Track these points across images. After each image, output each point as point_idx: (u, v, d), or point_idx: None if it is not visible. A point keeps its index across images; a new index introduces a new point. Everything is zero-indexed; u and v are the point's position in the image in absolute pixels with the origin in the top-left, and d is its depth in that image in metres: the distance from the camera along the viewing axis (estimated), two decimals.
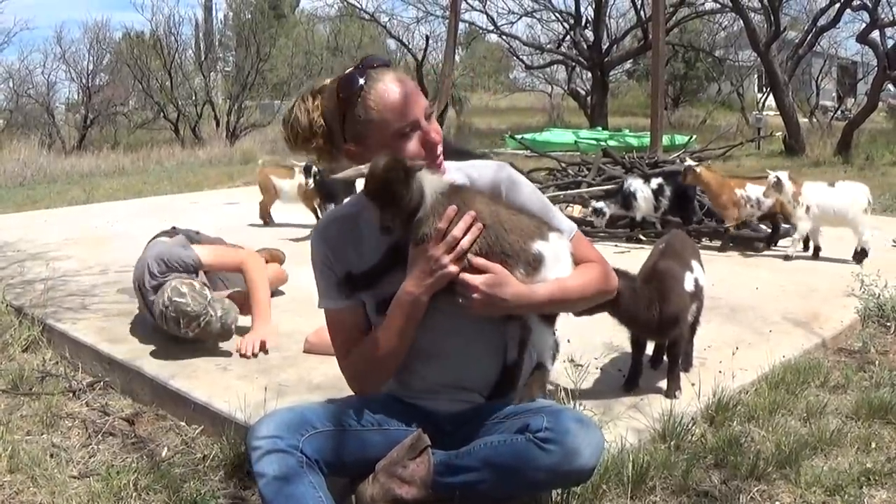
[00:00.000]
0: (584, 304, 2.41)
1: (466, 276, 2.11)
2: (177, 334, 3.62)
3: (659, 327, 3.13)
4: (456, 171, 2.30)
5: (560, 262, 2.21)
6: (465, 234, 2.10)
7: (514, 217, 2.20)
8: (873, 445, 2.88)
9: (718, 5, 21.55)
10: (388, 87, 2.14)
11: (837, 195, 5.58)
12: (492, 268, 2.11)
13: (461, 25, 20.21)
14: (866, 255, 5.49)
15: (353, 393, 2.38)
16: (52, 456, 2.95)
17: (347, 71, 2.20)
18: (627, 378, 3.27)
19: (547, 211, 2.32)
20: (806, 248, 5.78)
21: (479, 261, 2.12)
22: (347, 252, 2.28)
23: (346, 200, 2.43)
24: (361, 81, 2.14)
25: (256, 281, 3.96)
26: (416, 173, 2.07)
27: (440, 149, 2.20)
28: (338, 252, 2.28)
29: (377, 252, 2.24)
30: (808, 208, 5.54)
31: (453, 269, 2.10)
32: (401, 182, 2.05)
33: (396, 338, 2.21)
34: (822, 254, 5.66)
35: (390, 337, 2.21)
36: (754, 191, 5.92)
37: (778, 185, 5.57)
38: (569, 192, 7.02)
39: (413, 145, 2.16)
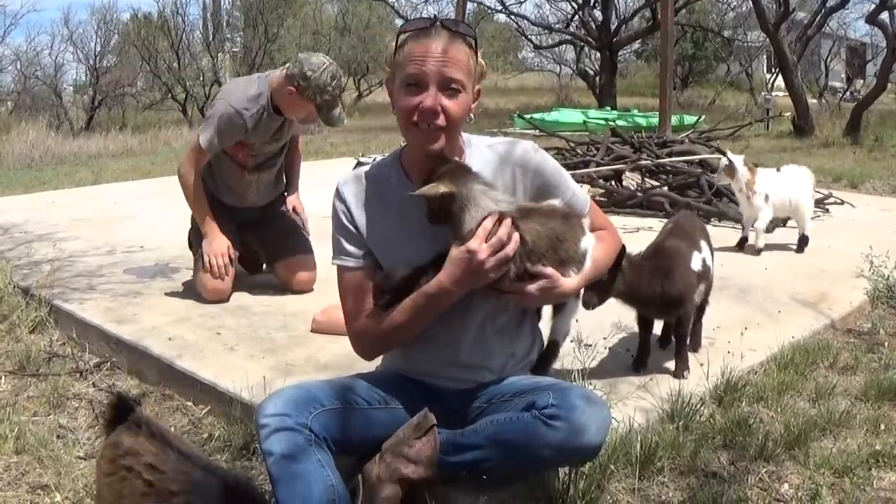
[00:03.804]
0: (605, 269, 2.50)
1: (522, 287, 2.17)
2: (318, 92, 3.88)
3: (663, 304, 3.11)
4: (486, 148, 2.33)
5: (592, 244, 2.34)
6: (508, 238, 2.11)
7: (564, 225, 2.26)
8: (882, 427, 2.87)
9: None
10: (426, 38, 2.13)
11: (787, 181, 5.29)
12: (545, 273, 2.18)
13: (469, 5, 20.06)
14: (808, 243, 5.26)
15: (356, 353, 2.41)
16: (58, 437, 2.96)
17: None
18: (635, 358, 3.26)
19: (567, 187, 2.36)
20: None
21: (535, 269, 2.17)
22: (372, 208, 2.30)
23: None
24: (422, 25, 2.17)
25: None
26: (463, 195, 2.12)
27: (439, 123, 2.12)
28: (362, 207, 2.30)
29: (403, 216, 2.25)
30: (766, 196, 5.21)
31: (494, 275, 2.13)
32: (450, 206, 2.13)
33: (416, 323, 2.23)
34: (833, 237, 5.60)
35: (409, 320, 2.21)
36: None
37: (730, 168, 5.24)
38: (577, 171, 6.97)
39: (407, 102, 2.13)
